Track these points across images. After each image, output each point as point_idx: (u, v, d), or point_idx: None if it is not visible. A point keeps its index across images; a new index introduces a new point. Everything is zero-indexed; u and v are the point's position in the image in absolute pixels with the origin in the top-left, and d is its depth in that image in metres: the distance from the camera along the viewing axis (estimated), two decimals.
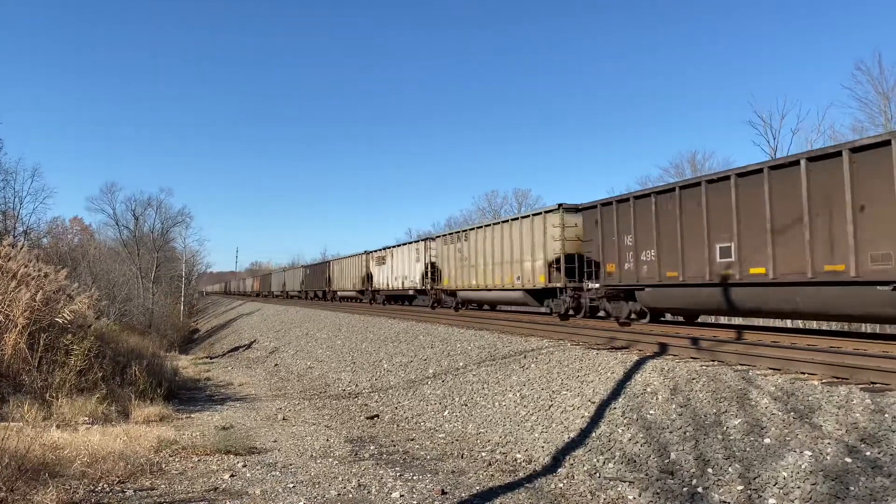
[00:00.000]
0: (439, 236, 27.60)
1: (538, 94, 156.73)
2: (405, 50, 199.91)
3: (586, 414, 9.52)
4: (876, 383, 7.37)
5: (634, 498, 7.19)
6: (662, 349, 11.00)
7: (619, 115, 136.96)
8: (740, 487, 6.46)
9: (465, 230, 24.73)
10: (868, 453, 6.07)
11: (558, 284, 17.83)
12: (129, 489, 7.54)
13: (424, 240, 29.28)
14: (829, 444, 6.42)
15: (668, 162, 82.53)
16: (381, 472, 8.71)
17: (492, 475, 8.64)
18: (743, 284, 12.08)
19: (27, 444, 7.65)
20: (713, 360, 9.75)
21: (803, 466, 6.26)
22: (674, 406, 8.48)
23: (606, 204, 16.22)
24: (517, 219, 20.48)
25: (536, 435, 9.81)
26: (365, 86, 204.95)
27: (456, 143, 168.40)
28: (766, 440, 6.92)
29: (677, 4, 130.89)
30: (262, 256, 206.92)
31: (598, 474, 7.97)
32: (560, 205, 18.04)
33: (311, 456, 9.79)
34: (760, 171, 11.69)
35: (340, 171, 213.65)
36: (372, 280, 36.49)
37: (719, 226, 12.55)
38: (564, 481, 8.12)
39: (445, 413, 12.38)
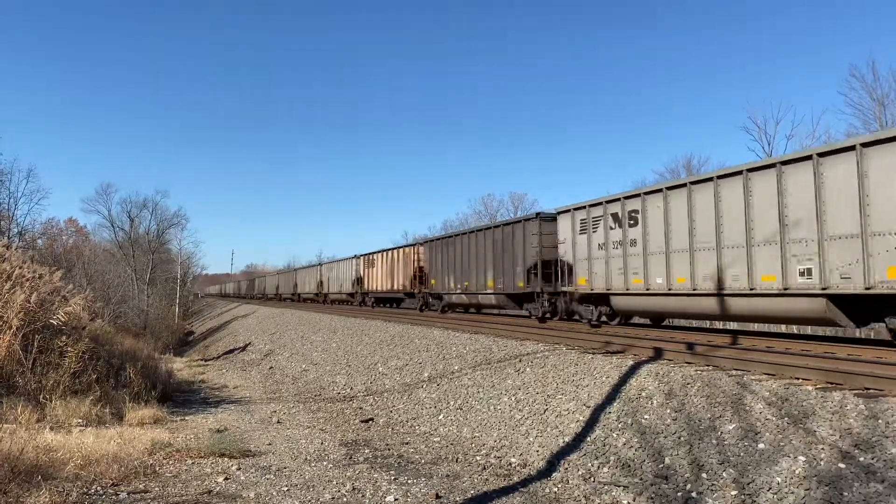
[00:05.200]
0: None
1: (536, 97, 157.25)
2: (403, 52, 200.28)
3: (581, 418, 9.52)
4: (870, 389, 7.40)
5: (629, 503, 7.19)
6: (657, 354, 11.02)
7: (616, 119, 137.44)
8: (734, 492, 6.47)
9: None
10: (862, 459, 6.09)
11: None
12: (122, 492, 7.50)
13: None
14: (823, 449, 6.44)
15: (664, 166, 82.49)
16: (375, 475, 8.68)
17: (486, 479, 8.64)
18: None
19: (20, 446, 7.61)
20: (708, 365, 9.77)
21: (797, 472, 6.28)
22: (669, 411, 8.49)
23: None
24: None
25: (531, 439, 9.80)
26: (363, 89, 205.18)
27: (453, 147, 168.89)
28: (761, 445, 6.93)
29: (673, 10, 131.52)
30: (257, 259, 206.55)
31: (592, 479, 7.97)
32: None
33: (306, 459, 9.76)
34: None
35: (337, 174, 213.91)
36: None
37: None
38: (559, 486, 8.12)
39: (440, 417, 12.36)
